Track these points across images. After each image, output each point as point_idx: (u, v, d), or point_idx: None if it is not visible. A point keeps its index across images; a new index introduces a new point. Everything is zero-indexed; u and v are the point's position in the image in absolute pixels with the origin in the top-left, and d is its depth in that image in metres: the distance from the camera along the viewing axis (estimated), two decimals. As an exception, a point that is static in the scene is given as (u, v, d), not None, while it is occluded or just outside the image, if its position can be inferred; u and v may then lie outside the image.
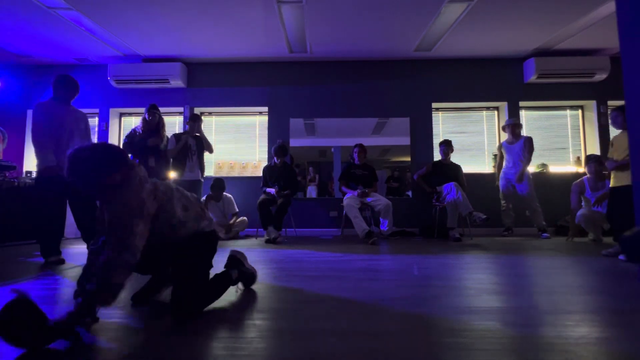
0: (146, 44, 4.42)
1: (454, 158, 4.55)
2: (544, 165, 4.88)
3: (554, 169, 4.89)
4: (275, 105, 4.98)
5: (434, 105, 5.01)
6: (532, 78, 4.72)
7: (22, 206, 3.75)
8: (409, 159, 4.90)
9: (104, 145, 1.26)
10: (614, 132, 4.72)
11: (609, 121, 4.56)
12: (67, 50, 4.59)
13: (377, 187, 4.32)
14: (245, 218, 4.46)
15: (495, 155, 4.81)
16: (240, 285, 1.67)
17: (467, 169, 4.73)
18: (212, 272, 1.50)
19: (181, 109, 5.01)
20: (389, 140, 4.92)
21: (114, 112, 5.09)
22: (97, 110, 4.99)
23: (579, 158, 4.98)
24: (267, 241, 3.76)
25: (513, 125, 4.36)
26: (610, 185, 2.95)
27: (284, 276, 2.03)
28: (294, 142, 4.92)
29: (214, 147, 5.00)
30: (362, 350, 0.99)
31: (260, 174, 4.64)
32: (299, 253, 2.97)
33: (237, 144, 5.15)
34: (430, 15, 3.77)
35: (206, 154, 4.23)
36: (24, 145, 5.00)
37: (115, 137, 5.14)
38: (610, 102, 4.85)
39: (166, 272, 1.56)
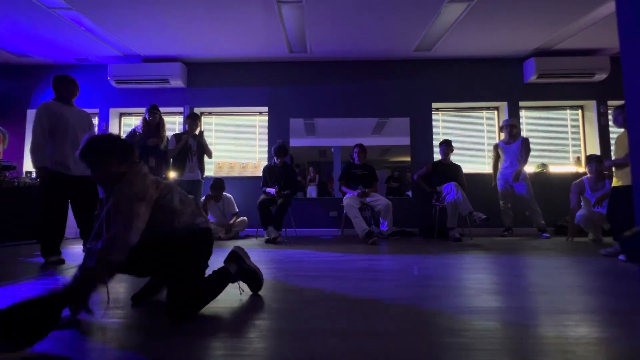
0: (146, 44, 4.42)
1: (454, 158, 4.55)
2: (544, 165, 4.88)
3: (554, 169, 4.89)
4: (275, 105, 4.98)
5: (434, 105, 5.01)
6: (532, 78, 4.72)
7: (23, 206, 3.75)
8: (409, 159, 4.90)
9: (116, 135, 1.40)
10: (614, 132, 4.75)
11: (611, 120, 4.56)
12: (67, 50, 4.59)
13: (377, 187, 4.32)
14: (245, 218, 4.46)
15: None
16: (242, 286, 1.63)
17: (467, 169, 4.73)
18: (212, 271, 1.50)
19: (181, 109, 5.01)
20: (389, 140, 4.92)
21: (114, 112, 5.09)
22: (97, 110, 4.99)
23: (579, 158, 4.98)
24: (267, 241, 3.76)
25: (510, 126, 4.37)
26: (613, 185, 2.96)
27: (284, 276, 2.03)
28: (294, 142, 4.92)
29: (214, 147, 5.05)
30: (362, 350, 0.99)
31: (260, 174, 4.64)
32: (299, 253, 2.97)
33: (237, 144, 5.15)
34: (430, 15, 3.77)
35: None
36: (24, 145, 5.00)
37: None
38: (610, 102, 4.85)
39: (163, 273, 1.56)
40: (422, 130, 4.93)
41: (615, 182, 2.91)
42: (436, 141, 4.81)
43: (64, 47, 4.50)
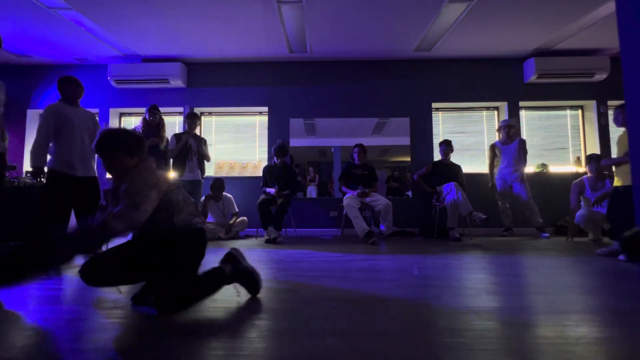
0: (146, 44, 4.42)
1: (454, 158, 4.55)
2: (544, 165, 4.88)
3: (554, 169, 4.89)
4: (275, 105, 4.98)
5: (434, 105, 5.01)
6: (532, 78, 4.72)
7: (23, 206, 3.75)
8: (409, 159, 4.90)
9: (131, 130, 1.50)
10: (614, 132, 4.75)
11: (611, 120, 4.56)
12: (67, 50, 4.59)
13: (377, 187, 4.32)
14: (245, 218, 4.46)
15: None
16: (239, 288, 1.61)
17: (467, 169, 4.73)
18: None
19: (181, 109, 5.01)
20: (389, 140, 4.92)
21: (113, 112, 5.08)
22: (97, 110, 4.98)
23: (579, 158, 4.98)
24: (267, 241, 3.76)
25: (508, 127, 4.37)
26: (614, 185, 2.96)
27: (284, 276, 2.02)
28: (294, 142, 4.92)
29: (214, 147, 5.06)
30: (362, 350, 0.99)
31: (260, 174, 4.64)
32: (299, 253, 2.96)
33: (237, 144, 5.15)
34: (430, 15, 3.77)
35: (206, 156, 4.25)
36: (24, 145, 5.00)
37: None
38: (610, 102, 4.84)
39: (161, 269, 1.56)
40: (422, 130, 4.93)
41: (616, 182, 2.91)
42: (436, 141, 4.81)
43: (64, 47, 4.50)
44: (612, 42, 4.44)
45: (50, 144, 2.64)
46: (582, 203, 3.81)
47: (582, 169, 4.79)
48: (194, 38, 4.26)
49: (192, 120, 4.13)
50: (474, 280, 1.88)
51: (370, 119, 4.92)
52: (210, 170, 4.96)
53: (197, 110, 5.00)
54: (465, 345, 1.03)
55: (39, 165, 2.57)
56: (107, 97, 5.00)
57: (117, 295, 1.61)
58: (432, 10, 3.68)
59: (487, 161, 4.56)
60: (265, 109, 5.01)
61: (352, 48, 4.60)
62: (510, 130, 4.38)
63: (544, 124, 5.07)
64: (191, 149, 4.03)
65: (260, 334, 1.13)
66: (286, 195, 4.00)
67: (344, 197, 4.10)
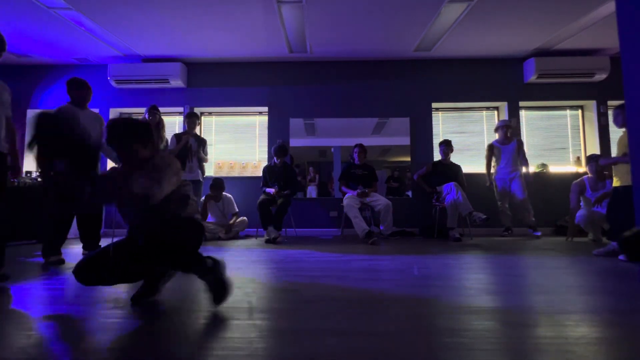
0: (146, 44, 4.42)
1: (454, 158, 4.55)
2: (544, 165, 4.88)
3: (554, 169, 4.89)
4: (275, 105, 4.98)
5: (434, 105, 5.01)
6: (532, 78, 4.72)
7: (23, 206, 3.75)
8: (409, 159, 4.90)
9: (141, 120, 1.51)
10: (614, 132, 4.75)
11: (611, 120, 4.56)
12: (67, 50, 4.59)
13: (377, 187, 4.32)
14: (245, 218, 4.46)
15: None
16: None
17: (467, 169, 4.73)
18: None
19: (181, 109, 5.01)
20: (389, 140, 4.92)
21: (113, 112, 5.08)
22: (97, 111, 4.97)
23: (579, 158, 4.98)
24: (267, 241, 3.76)
25: (506, 127, 4.36)
26: (613, 185, 2.96)
27: (284, 276, 2.03)
28: (294, 142, 4.92)
29: (214, 147, 5.07)
30: (362, 350, 0.99)
31: (260, 174, 4.64)
32: (299, 253, 2.97)
33: (237, 144, 5.15)
34: (430, 15, 3.77)
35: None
36: (24, 146, 5.00)
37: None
38: (610, 102, 4.84)
39: (158, 272, 1.56)
40: (422, 130, 4.93)
41: (614, 182, 2.91)
42: (436, 141, 4.81)
43: (64, 47, 4.50)
44: (612, 42, 4.44)
45: None
46: (582, 203, 3.81)
47: (582, 169, 4.79)
48: (194, 38, 4.26)
49: (191, 120, 4.14)
50: (474, 280, 1.88)
51: (370, 119, 4.92)
52: (210, 170, 4.97)
53: (197, 110, 5.00)
54: (465, 345, 1.03)
55: (58, 170, 2.58)
56: (107, 97, 5.00)
57: (117, 295, 1.61)
58: (432, 10, 3.68)
59: (484, 161, 4.55)
60: (265, 109, 5.01)
61: (352, 48, 4.60)
62: (508, 130, 4.38)
63: (544, 124, 5.07)
64: (191, 149, 4.04)
65: (260, 334, 1.13)
66: (286, 195, 4.00)
67: (344, 197, 4.10)
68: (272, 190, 4.06)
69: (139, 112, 5.10)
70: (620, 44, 1.37)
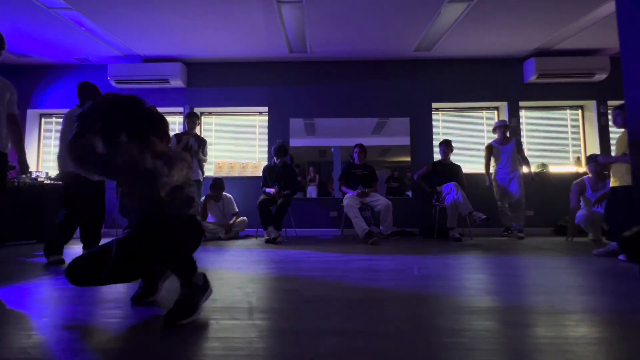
0: (146, 44, 4.42)
1: (454, 158, 4.55)
2: (544, 165, 4.88)
3: (554, 169, 4.89)
4: (275, 105, 4.98)
5: (434, 105, 5.01)
6: (532, 78, 4.72)
7: (23, 206, 3.75)
8: (409, 159, 4.90)
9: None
10: (614, 132, 4.75)
11: (610, 120, 4.56)
12: (67, 50, 4.59)
13: (377, 187, 4.32)
14: (245, 218, 4.46)
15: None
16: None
17: (467, 169, 4.73)
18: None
19: (181, 109, 5.01)
20: (389, 140, 4.92)
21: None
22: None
23: (579, 158, 4.98)
24: (267, 241, 3.76)
25: (504, 127, 4.35)
26: (610, 185, 2.96)
27: (284, 276, 2.03)
28: (294, 142, 4.92)
29: (214, 147, 5.07)
30: (362, 350, 0.99)
31: (260, 174, 4.64)
32: (299, 253, 2.97)
33: (237, 144, 5.15)
34: (430, 15, 3.77)
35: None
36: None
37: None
38: (610, 102, 4.84)
39: (155, 271, 1.55)
40: (422, 130, 4.93)
41: (612, 183, 2.91)
42: (436, 141, 4.81)
43: (64, 47, 4.50)
44: (612, 42, 4.44)
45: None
46: (582, 203, 3.81)
47: (582, 169, 4.79)
48: (194, 38, 4.26)
49: (191, 120, 4.15)
50: (474, 280, 1.88)
51: (370, 119, 4.92)
52: (210, 170, 4.97)
53: (197, 110, 5.00)
54: (465, 345, 1.03)
55: (71, 171, 2.66)
56: (107, 97, 4.99)
57: (117, 295, 1.61)
58: (432, 10, 3.68)
59: (483, 161, 4.53)
60: (265, 109, 5.01)
61: (352, 48, 4.60)
62: (506, 130, 4.37)
63: (544, 124, 5.07)
64: (192, 149, 4.04)
65: (260, 334, 1.13)
66: (286, 195, 4.00)
67: (344, 197, 4.10)
68: (271, 191, 4.06)
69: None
70: (620, 44, 1.37)
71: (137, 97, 1.41)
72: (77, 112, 1.41)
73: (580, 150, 5.02)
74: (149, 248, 1.29)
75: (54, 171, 4.94)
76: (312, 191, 4.88)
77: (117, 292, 1.67)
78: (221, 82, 5.02)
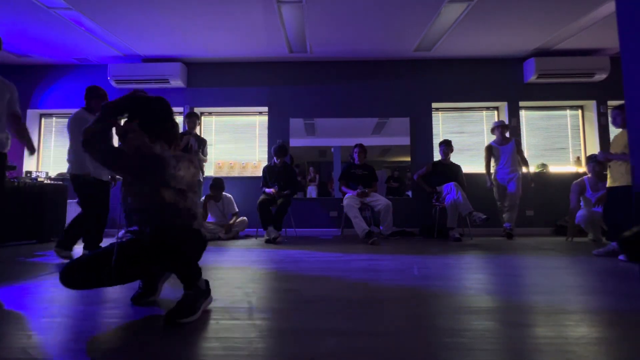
0: (146, 44, 4.42)
1: (454, 158, 4.55)
2: (544, 165, 4.88)
3: (554, 169, 4.89)
4: (275, 105, 4.98)
5: (434, 105, 5.01)
6: (532, 78, 4.72)
7: (23, 206, 3.75)
8: (409, 159, 4.90)
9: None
10: (613, 132, 4.74)
11: (609, 120, 4.56)
12: (67, 50, 4.59)
13: (377, 187, 4.32)
14: (245, 218, 4.46)
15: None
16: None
17: (467, 169, 4.73)
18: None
19: (181, 109, 5.01)
20: (389, 140, 4.92)
21: (114, 112, 5.08)
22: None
23: (579, 158, 4.98)
24: (267, 241, 3.76)
25: (502, 127, 4.35)
26: (607, 185, 2.95)
27: (284, 276, 2.02)
28: (294, 142, 4.92)
29: (214, 147, 5.07)
30: (362, 350, 0.99)
31: (260, 174, 4.64)
32: (299, 253, 2.97)
33: (237, 144, 5.15)
34: (430, 15, 3.77)
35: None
36: (24, 146, 4.99)
37: (115, 137, 5.15)
38: (610, 102, 4.85)
39: (156, 273, 1.55)
40: (422, 130, 4.93)
41: (610, 183, 2.91)
42: (436, 141, 4.81)
43: (64, 47, 4.50)
44: (612, 42, 4.44)
45: (71, 152, 2.76)
46: (582, 203, 3.81)
47: (582, 169, 4.79)
48: (194, 38, 4.26)
49: (191, 120, 4.15)
50: (474, 280, 1.88)
51: (370, 119, 4.92)
52: (210, 170, 4.97)
53: (197, 110, 5.00)
54: (465, 345, 1.03)
55: (87, 172, 2.72)
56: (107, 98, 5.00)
57: (117, 295, 1.61)
58: (432, 10, 3.68)
59: (484, 162, 4.51)
60: (265, 109, 5.01)
61: (352, 48, 4.60)
62: (505, 130, 4.37)
63: (544, 124, 5.07)
64: (192, 149, 4.04)
65: (260, 334, 1.13)
66: (286, 195, 4.00)
67: (344, 197, 4.10)
68: (270, 191, 4.06)
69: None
70: (620, 44, 1.37)
71: (165, 100, 1.45)
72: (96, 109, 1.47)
73: (580, 150, 5.02)
74: (156, 256, 1.30)
75: (54, 171, 4.95)
76: (312, 191, 4.88)
77: (117, 292, 1.67)
78: (221, 82, 5.02)
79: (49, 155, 5.15)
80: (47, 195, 4.00)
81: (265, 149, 4.97)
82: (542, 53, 4.74)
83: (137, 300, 1.49)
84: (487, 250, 3.06)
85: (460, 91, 4.95)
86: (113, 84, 4.80)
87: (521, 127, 4.93)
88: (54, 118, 5.18)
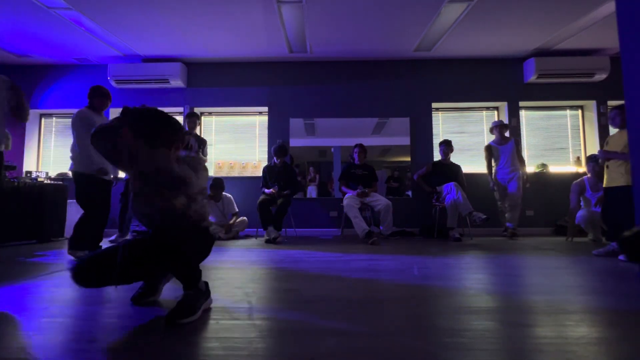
0: (146, 44, 4.42)
1: (454, 158, 4.55)
2: (544, 165, 4.88)
3: (554, 169, 4.89)
4: (275, 105, 4.98)
5: (434, 105, 5.01)
6: (532, 78, 4.72)
7: (23, 206, 3.75)
8: (409, 159, 4.90)
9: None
10: (613, 132, 4.75)
11: (608, 120, 4.56)
12: (67, 50, 4.59)
13: (377, 187, 4.32)
14: (245, 218, 4.46)
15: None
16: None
17: (467, 169, 4.73)
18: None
19: (181, 109, 5.01)
20: (389, 140, 4.92)
21: (113, 112, 5.07)
22: (97, 110, 4.98)
23: (579, 158, 4.98)
24: (267, 241, 3.76)
25: (500, 127, 4.35)
26: (604, 186, 2.95)
27: (284, 276, 2.03)
28: (294, 142, 4.92)
29: (214, 147, 5.07)
30: (362, 350, 0.99)
31: (260, 174, 4.64)
32: (299, 253, 2.97)
33: (237, 144, 5.15)
34: (430, 15, 3.77)
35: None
36: (24, 145, 5.00)
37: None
38: (610, 102, 4.85)
39: (158, 274, 1.55)
40: (422, 130, 4.93)
41: (606, 183, 2.90)
42: (436, 141, 4.81)
43: (64, 47, 4.50)
44: (612, 42, 4.44)
45: (76, 150, 2.77)
46: (582, 203, 3.81)
47: (582, 169, 4.79)
48: (194, 38, 4.26)
49: (191, 120, 4.15)
50: (474, 280, 1.88)
51: (370, 119, 4.92)
52: (210, 171, 4.95)
53: (197, 110, 5.00)
54: (465, 345, 1.03)
55: (102, 167, 2.75)
56: (107, 97, 5.00)
57: (118, 295, 1.61)
58: (432, 10, 3.68)
59: (485, 162, 4.51)
60: (265, 109, 5.01)
61: (352, 48, 4.60)
62: (504, 129, 4.37)
63: (544, 124, 5.07)
64: (192, 149, 4.04)
65: (260, 334, 1.13)
66: (286, 195, 4.00)
67: (344, 197, 4.10)
68: (270, 191, 4.06)
69: (139, 112, 5.10)
70: (620, 44, 1.37)
71: (157, 110, 1.47)
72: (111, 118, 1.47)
73: (580, 150, 5.02)
74: (158, 256, 1.30)
75: (54, 171, 4.95)
76: (312, 191, 4.88)
77: (117, 292, 1.67)
78: (221, 82, 5.02)
79: (49, 155, 5.15)
80: (47, 195, 4.00)
81: (265, 149, 4.97)
82: (542, 53, 4.74)
83: (137, 300, 1.49)
84: (487, 250, 3.06)
85: (460, 91, 4.95)
86: (113, 84, 4.80)
87: (521, 127, 4.93)
88: (54, 118, 5.18)
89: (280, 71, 5.01)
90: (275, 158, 4.21)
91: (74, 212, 4.05)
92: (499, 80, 4.94)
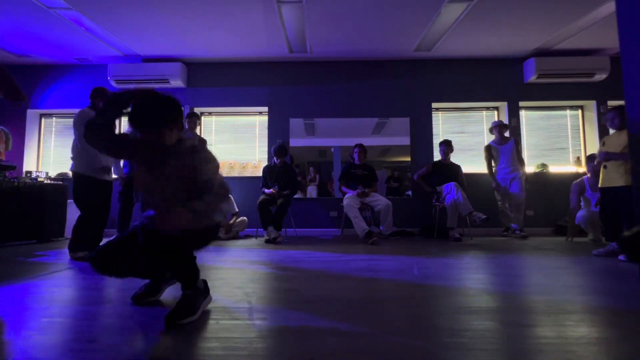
0: (146, 44, 4.42)
1: (454, 158, 4.55)
2: (543, 165, 4.88)
3: (554, 169, 4.89)
4: (275, 105, 4.98)
5: (434, 105, 5.01)
6: (532, 78, 4.72)
7: (23, 206, 3.75)
8: (409, 159, 4.90)
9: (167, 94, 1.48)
10: (611, 132, 4.75)
11: (606, 122, 4.56)
12: (67, 50, 4.59)
13: (377, 187, 4.32)
14: (245, 218, 4.46)
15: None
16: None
17: (467, 169, 4.73)
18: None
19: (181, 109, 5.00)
20: (389, 140, 4.92)
21: (114, 112, 5.08)
22: (97, 110, 4.99)
23: (579, 158, 4.98)
24: (267, 241, 3.76)
25: (500, 127, 4.35)
26: (600, 186, 2.95)
27: (284, 276, 2.03)
28: (294, 142, 4.92)
29: (214, 147, 5.06)
30: (362, 350, 0.99)
31: (260, 174, 4.64)
32: (299, 253, 2.97)
33: (237, 144, 5.15)
34: (430, 15, 3.77)
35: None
36: (24, 145, 5.00)
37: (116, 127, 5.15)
38: (610, 102, 4.84)
39: (164, 275, 1.56)
40: (422, 130, 4.93)
41: (602, 184, 2.90)
42: (436, 141, 4.81)
43: (64, 47, 4.50)
44: (612, 42, 4.44)
45: (78, 149, 2.78)
46: (582, 203, 3.81)
47: (582, 169, 4.79)
48: (194, 38, 4.26)
49: (191, 120, 4.14)
50: (474, 280, 1.88)
51: (370, 119, 4.92)
52: (210, 170, 4.96)
53: (197, 110, 5.00)
54: (465, 345, 1.03)
55: (106, 166, 2.78)
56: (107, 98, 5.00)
57: (118, 295, 1.61)
58: (432, 10, 3.68)
59: (485, 162, 4.49)
60: (265, 109, 5.01)
61: (352, 48, 4.60)
62: (503, 129, 4.37)
63: (544, 124, 5.07)
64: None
65: (260, 334, 1.13)
66: (286, 195, 4.00)
67: (344, 197, 4.10)
68: (270, 191, 4.06)
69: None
70: (620, 44, 1.37)
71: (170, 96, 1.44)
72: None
73: (580, 150, 5.02)
74: (156, 258, 1.30)
75: (54, 171, 4.95)
76: (312, 191, 4.88)
77: (117, 292, 1.67)
78: (221, 82, 5.02)
79: (49, 155, 5.15)
80: (47, 195, 4.00)
81: (265, 149, 4.97)
82: (542, 53, 4.74)
83: (137, 300, 1.50)
84: (487, 250, 3.06)
85: (460, 91, 4.95)
86: (113, 84, 4.80)
87: (521, 127, 4.93)
88: (54, 118, 5.18)
89: (280, 71, 5.01)
90: (275, 158, 4.21)
91: (74, 212, 4.02)
92: (499, 80, 4.94)
